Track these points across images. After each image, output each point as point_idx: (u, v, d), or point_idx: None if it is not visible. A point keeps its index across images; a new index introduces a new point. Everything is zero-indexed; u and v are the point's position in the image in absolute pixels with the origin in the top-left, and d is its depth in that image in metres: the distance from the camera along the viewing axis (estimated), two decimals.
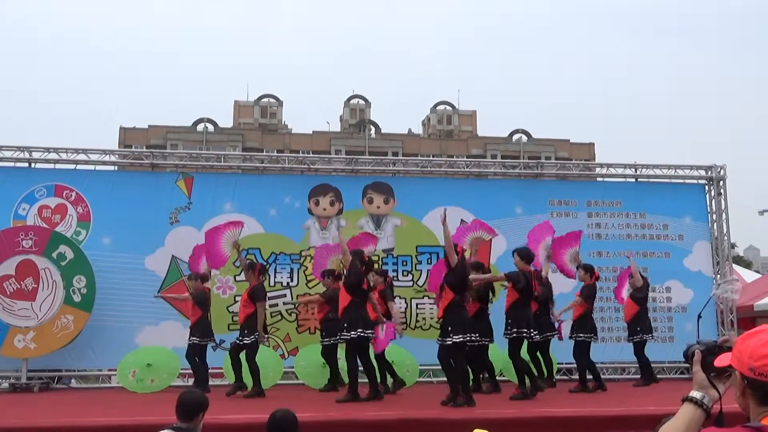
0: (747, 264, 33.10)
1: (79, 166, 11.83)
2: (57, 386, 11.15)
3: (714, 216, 12.98)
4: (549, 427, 6.42)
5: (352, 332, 8.26)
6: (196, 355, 9.98)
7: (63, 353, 10.88)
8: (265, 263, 11.36)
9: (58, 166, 11.74)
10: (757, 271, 24.73)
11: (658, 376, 11.53)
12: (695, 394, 2.08)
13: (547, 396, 8.55)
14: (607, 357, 12.02)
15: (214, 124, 48.38)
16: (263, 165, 12.61)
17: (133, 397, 9.53)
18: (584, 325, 10.04)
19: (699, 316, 11.85)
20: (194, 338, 9.95)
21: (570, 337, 10.17)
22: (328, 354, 10.05)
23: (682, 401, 2.10)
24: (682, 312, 12.50)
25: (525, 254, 9.10)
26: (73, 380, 11.65)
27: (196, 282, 10.28)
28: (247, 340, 9.34)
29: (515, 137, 50.47)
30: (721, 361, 2.06)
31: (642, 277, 10.89)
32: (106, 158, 12.30)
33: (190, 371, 11.30)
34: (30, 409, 8.05)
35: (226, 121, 51.69)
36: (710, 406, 2.07)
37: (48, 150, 11.65)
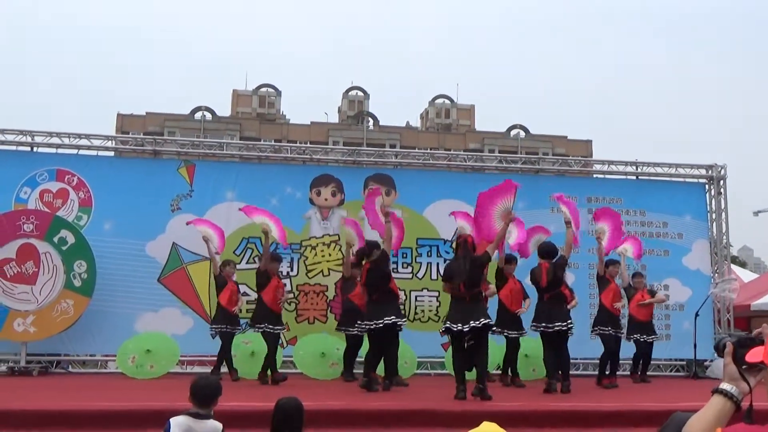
0: (741, 264, 33.21)
1: (81, 151, 11.82)
2: (56, 371, 11.16)
3: (713, 215, 13.04)
4: (552, 420, 6.45)
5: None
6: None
7: (62, 338, 10.88)
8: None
9: (60, 150, 11.73)
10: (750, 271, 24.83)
11: (656, 374, 11.63)
12: (726, 386, 2.08)
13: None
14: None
15: (212, 112, 48.20)
16: (266, 154, 12.61)
17: (132, 383, 9.55)
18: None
19: (696, 315, 11.97)
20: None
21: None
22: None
23: (712, 393, 2.11)
24: (680, 310, 12.55)
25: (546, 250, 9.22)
26: (71, 365, 11.63)
27: (228, 268, 10.44)
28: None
29: (513, 132, 50.43)
30: (753, 356, 2.05)
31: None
32: (109, 144, 12.29)
33: (190, 359, 11.39)
34: (30, 393, 8.05)
35: (223, 110, 51.53)
36: (740, 399, 2.07)
37: (50, 134, 11.63)
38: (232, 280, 10.43)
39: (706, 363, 12.27)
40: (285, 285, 10.49)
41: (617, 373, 10.20)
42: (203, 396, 4.33)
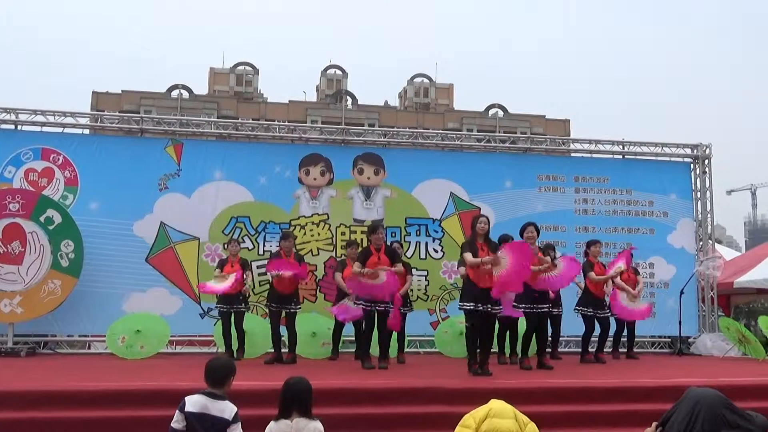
0: (717, 242, 33.57)
1: (66, 130, 11.64)
2: (43, 351, 11.06)
3: (698, 194, 13.18)
4: (554, 397, 6.51)
5: None
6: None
7: (50, 318, 10.79)
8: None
9: (45, 129, 11.54)
10: None
11: (641, 350, 11.78)
12: None
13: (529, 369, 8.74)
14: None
15: (189, 90, 47.68)
16: (254, 133, 12.49)
17: (123, 363, 9.45)
18: None
19: (681, 292, 12.15)
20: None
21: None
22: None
23: None
24: (665, 288, 12.72)
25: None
26: (58, 345, 11.51)
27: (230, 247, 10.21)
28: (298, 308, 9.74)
29: (491, 112, 50.49)
30: None
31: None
32: (95, 122, 12.13)
33: (179, 339, 11.34)
34: (19, 374, 7.92)
35: (201, 88, 51.02)
36: None
37: (35, 112, 11.44)
38: (234, 260, 10.23)
39: (690, 340, 12.47)
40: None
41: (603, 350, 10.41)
42: (216, 376, 4.34)
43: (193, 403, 4.21)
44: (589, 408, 6.30)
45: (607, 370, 8.82)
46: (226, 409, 4.25)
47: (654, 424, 3.84)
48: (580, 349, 10.50)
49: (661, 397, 6.26)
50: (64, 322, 11.02)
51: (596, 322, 10.31)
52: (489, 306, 7.79)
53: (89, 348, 11.74)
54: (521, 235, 9.33)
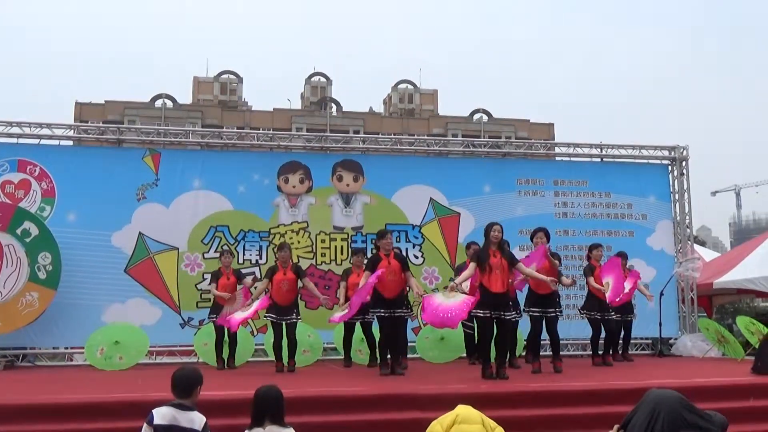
0: (701, 243, 33.79)
1: (43, 141, 11.60)
2: (22, 364, 10.99)
3: (676, 195, 13.26)
4: (526, 401, 6.53)
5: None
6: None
7: (28, 331, 10.70)
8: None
9: (21, 140, 11.49)
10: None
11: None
12: None
13: (520, 372, 8.76)
14: (573, 334, 12.30)
15: (173, 100, 47.64)
16: (233, 142, 12.46)
17: (102, 375, 9.42)
18: None
19: (661, 294, 12.20)
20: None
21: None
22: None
23: None
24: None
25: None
26: (37, 358, 11.44)
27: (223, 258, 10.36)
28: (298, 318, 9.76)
29: (476, 117, 50.71)
30: None
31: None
32: (71, 133, 12.08)
33: (159, 349, 11.27)
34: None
35: (185, 97, 50.98)
36: None
37: (10, 124, 11.38)
38: (228, 271, 10.29)
39: (671, 341, 12.53)
40: None
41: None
42: (182, 386, 4.32)
43: (162, 415, 4.19)
44: (560, 411, 6.32)
45: (583, 373, 8.85)
46: (196, 419, 4.24)
47: (615, 426, 3.86)
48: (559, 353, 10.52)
49: (635, 399, 6.25)
50: (42, 335, 10.93)
51: (602, 325, 10.29)
52: (502, 312, 7.91)
53: (69, 360, 11.67)
54: (531, 239, 9.46)
